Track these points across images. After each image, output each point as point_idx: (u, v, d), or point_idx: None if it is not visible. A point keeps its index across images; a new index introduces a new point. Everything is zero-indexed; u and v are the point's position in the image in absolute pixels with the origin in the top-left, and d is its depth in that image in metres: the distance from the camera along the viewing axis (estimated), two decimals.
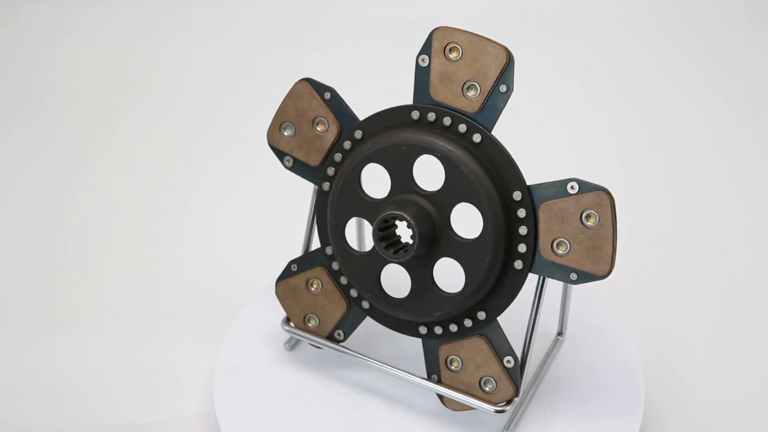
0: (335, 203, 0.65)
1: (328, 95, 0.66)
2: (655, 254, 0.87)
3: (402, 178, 0.63)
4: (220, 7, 1.11)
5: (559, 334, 0.73)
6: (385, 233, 0.64)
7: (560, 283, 0.70)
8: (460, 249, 0.62)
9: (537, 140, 0.97)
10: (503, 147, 0.60)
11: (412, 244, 0.62)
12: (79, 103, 1.02)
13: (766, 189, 0.94)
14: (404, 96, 1.01)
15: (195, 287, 0.84)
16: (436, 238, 0.63)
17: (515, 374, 0.64)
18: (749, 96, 1.05)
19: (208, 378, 0.74)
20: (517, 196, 0.60)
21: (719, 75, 1.08)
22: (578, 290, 0.75)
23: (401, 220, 0.62)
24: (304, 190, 0.95)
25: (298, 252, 0.83)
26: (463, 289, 0.63)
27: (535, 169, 0.93)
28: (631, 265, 0.85)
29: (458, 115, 0.61)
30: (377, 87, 1.03)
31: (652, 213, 0.91)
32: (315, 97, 0.66)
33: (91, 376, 0.77)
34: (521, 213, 0.61)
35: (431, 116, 0.62)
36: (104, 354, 0.78)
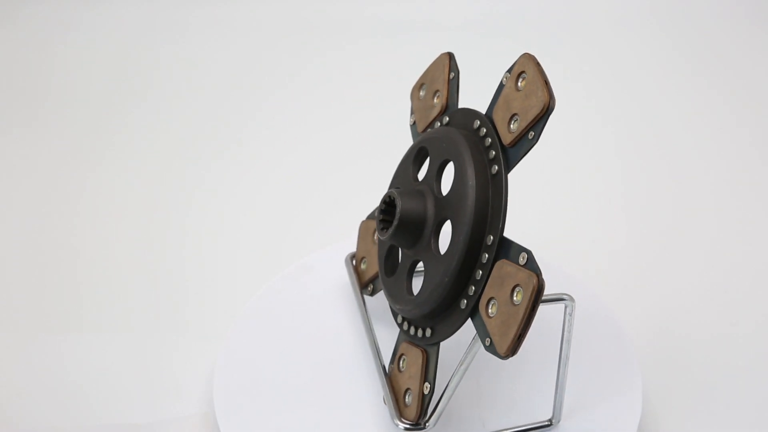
0: (396, 171, 0.69)
1: (452, 75, 0.68)
2: (654, 254, 0.87)
3: (432, 172, 0.65)
4: (219, 7, 1.11)
5: (549, 422, 0.67)
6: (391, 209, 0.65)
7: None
8: (429, 258, 0.63)
9: (544, 139, 0.97)
10: (505, 190, 0.60)
11: (389, 228, 0.64)
12: (81, 103, 1.02)
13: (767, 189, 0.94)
14: (403, 97, 1.02)
15: (195, 287, 0.84)
16: (420, 238, 0.64)
17: (425, 402, 0.63)
18: (751, 97, 1.04)
19: (208, 378, 0.74)
20: (489, 240, 0.60)
21: (719, 76, 1.07)
22: (575, 284, 0.76)
23: (395, 205, 0.64)
24: (305, 190, 0.95)
25: (297, 253, 0.84)
26: (415, 296, 0.64)
27: (535, 169, 0.93)
28: (631, 264, 0.85)
29: (496, 141, 0.62)
30: (378, 87, 1.03)
31: (652, 213, 0.91)
32: (444, 71, 0.68)
33: (91, 375, 0.77)
34: (484, 257, 0.60)
35: (483, 131, 0.63)
36: (104, 354, 0.78)
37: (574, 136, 1.00)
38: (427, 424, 0.63)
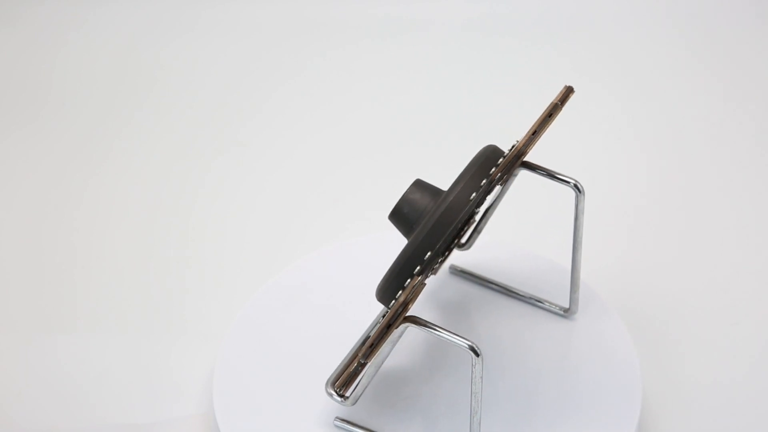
0: None
1: (556, 105, 0.68)
2: (655, 253, 0.87)
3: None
4: (220, 8, 1.11)
5: None
6: None
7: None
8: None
9: (546, 138, 0.96)
10: (459, 216, 0.61)
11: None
12: (82, 104, 1.02)
13: None
14: (403, 97, 1.02)
15: (195, 287, 0.84)
16: (410, 230, 0.65)
17: (350, 377, 0.65)
18: (760, 98, 1.04)
19: (208, 378, 0.74)
20: (427, 255, 0.61)
21: (729, 74, 1.07)
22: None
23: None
24: (305, 190, 0.95)
25: (297, 252, 0.84)
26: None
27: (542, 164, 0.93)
28: (632, 263, 0.85)
29: (495, 175, 0.63)
30: (378, 87, 1.03)
31: (652, 211, 0.91)
32: (555, 100, 0.68)
33: (91, 375, 0.77)
34: (417, 268, 0.61)
35: (500, 160, 0.65)
36: (104, 354, 0.78)
37: (577, 137, 1.00)
38: (346, 399, 0.65)
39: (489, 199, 0.68)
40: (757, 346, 0.79)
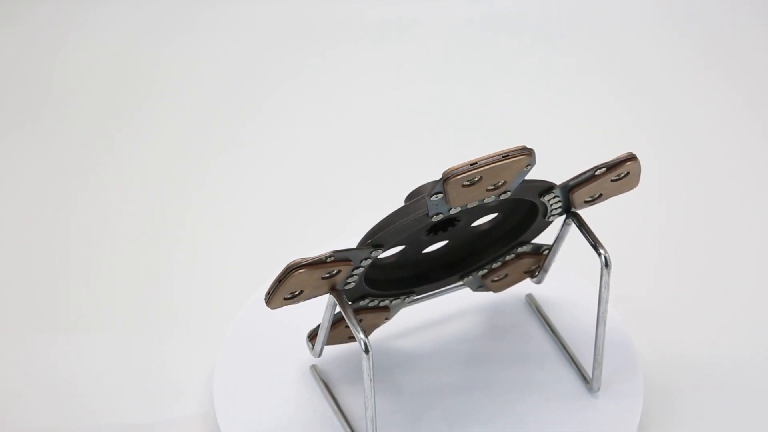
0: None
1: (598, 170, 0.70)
2: (656, 253, 0.87)
3: None
4: (220, 8, 1.11)
5: None
6: None
7: None
8: None
9: (548, 137, 0.97)
10: (411, 217, 0.63)
11: None
12: (83, 104, 1.02)
13: None
14: (403, 96, 1.02)
15: (195, 287, 0.84)
16: None
17: (316, 329, 0.70)
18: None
19: (208, 378, 0.74)
20: (369, 241, 0.63)
21: (731, 75, 1.07)
22: (577, 287, 0.76)
23: None
24: (305, 190, 0.95)
25: (296, 253, 0.84)
26: None
27: (544, 165, 0.93)
28: (632, 263, 0.85)
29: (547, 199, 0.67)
30: (378, 87, 1.03)
31: (652, 209, 0.91)
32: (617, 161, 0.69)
33: (90, 376, 0.77)
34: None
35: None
36: (104, 354, 0.78)
37: (577, 137, 0.99)
38: (313, 347, 0.69)
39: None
40: (756, 346, 0.79)
